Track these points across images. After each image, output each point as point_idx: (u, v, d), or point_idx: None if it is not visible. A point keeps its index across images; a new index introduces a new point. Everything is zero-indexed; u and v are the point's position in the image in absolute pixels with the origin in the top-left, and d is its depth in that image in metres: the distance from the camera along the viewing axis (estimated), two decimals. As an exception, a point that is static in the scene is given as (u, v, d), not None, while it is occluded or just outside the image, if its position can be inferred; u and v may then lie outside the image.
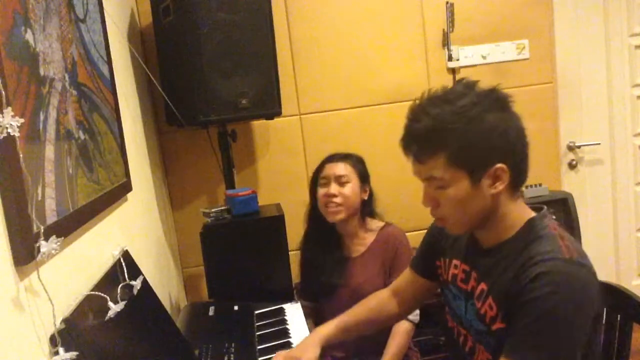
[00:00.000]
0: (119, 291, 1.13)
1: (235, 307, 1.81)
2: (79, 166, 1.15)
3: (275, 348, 1.57)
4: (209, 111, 1.90)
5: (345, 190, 1.86)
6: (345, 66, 2.44)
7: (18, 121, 0.79)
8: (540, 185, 2.37)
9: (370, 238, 1.91)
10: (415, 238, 2.52)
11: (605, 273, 2.79)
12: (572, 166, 2.80)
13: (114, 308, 1.04)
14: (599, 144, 2.79)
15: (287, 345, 1.58)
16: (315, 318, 1.90)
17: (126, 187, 1.54)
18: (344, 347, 1.79)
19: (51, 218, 0.96)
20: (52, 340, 0.87)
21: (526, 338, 0.98)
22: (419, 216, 2.48)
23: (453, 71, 2.52)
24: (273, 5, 2.02)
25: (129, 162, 1.57)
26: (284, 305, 1.88)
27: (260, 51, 1.96)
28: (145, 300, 1.31)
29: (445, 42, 2.48)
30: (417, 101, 1.09)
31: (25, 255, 0.83)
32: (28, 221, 0.84)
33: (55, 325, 0.88)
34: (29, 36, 0.95)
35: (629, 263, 2.91)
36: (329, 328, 1.37)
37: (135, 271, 1.30)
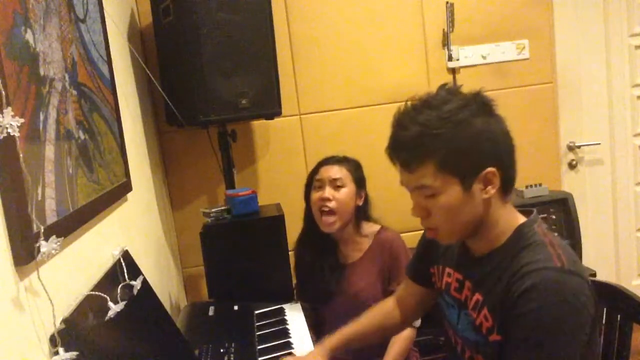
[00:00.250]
0: (119, 291, 1.13)
1: (235, 307, 1.81)
2: (79, 166, 1.15)
3: (275, 348, 1.57)
4: (209, 111, 1.90)
5: (339, 195, 1.81)
6: (345, 66, 2.44)
7: (18, 121, 0.79)
8: (540, 185, 2.36)
9: (366, 243, 1.87)
10: (416, 238, 2.51)
11: (605, 273, 2.79)
12: (572, 166, 2.80)
13: (114, 308, 1.04)
14: (599, 144, 2.79)
15: (287, 345, 1.58)
16: (313, 321, 1.86)
17: (126, 187, 1.54)
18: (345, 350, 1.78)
19: (51, 218, 0.96)
20: (52, 340, 0.87)
21: (522, 353, 0.97)
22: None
23: (453, 71, 2.52)
24: (273, 5, 2.02)
25: (129, 162, 1.57)
26: (284, 305, 1.88)
27: (260, 51, 1.96)
28: (145, 300, 1.31)
29: (445, 42, 2.48)
30: (402, 109, 1.07)
31: (25, 255, 0.83)
32: (28, 221, 0.84)
33: (55, 325, 0.88)
34: (29, 36, 0.95)
35: (629, 263, 2.91)
36: (335, 339, 1.37)
37: (135, 271, 1.30)
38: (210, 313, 1.77)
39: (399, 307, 1.44)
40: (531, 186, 2.35)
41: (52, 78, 1.04)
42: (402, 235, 2.19)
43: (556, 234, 1.11)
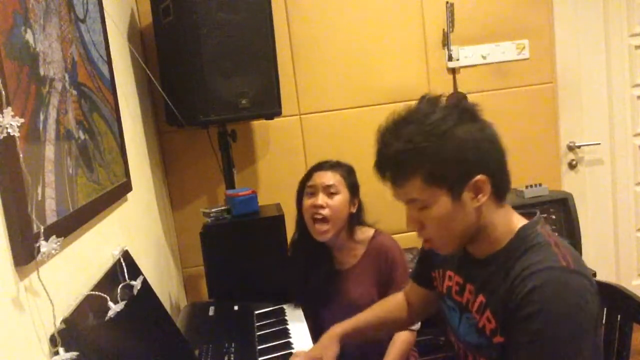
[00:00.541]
0: (119, 291, 1.13)
1: (235, 307, 1.81)
2: (79, 166, 1.15)
3: (275, 348, 1.57)
4: (209, 111, 1.90)
5: (333, 202, 1.76)
6: (345, 66, 2.44)
7: (18, 121, 0.79)
8: (540, 185, 2.36)
9: (360, 249, 1.83)
10: (415, 238, 2.52)
11: (605, 273, 2.79)
12: (572, 166, 2.80)
13: (114, 308, 1.04)
14: (599, 144, 2.79)
15: (287, 345, 1.58)
16: (311, 324, 1.80)
17: (126, 187, 1.54)
18: (345, 353, 1.77)
19: (51, 218, 0.96)
20: (52, 340, 0.87)
21: (528, 354, 0.96)
22: (419, 216, 2.49)
23: (453, 71, 2.52)
24: (273, 5, 2.02)
25: (129, 162, 1.57)
26: (284, 305, 1.88)
27: (260, 51, 1.96)
28: (145, 300, 1.31)
29: (445, 42, 2.48)
30: (384, 125, 1.07)
31: (25, 255, 0.83)
32: (28, 221, 0.84)
33: (55, 325, 0.88)
34: (29, 36, 0.95)
35: (629, 263, 2.91)
36: (346, 326, 1.37)
37: (135, 271, 1.30)
38: (210, 313, 1.77)
39: (408, 303, 1.45)
40: (531, 186, 2.35)
41: (52, 78, 1.04)
42: (402, 235, 2.19)
43: (556, 235, 1.10)
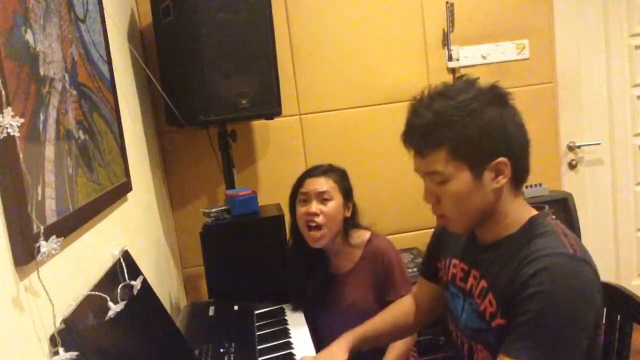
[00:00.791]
0: (119, 291, 1.13)
1: (235, 307, 1.80)
2: (79, 166, 1.15)
3: (275, 348, 1.57)
4: (209, 111, 1.90)
5: (327, 209, 1.73)
6: (345, 66, 2.44)
7: (18, 121, 0.79)
8: (540, 185, 2.37)
9: (356, 253, 1.80)
10: (416, 238, 2.54)
11: (605, 273, 2.76)
12: (572, 166, 2.80)
13: (114, 308, 1.04)
14: (599, 144, 2.79)
15: (287, 345, 1.58)
16: (310, 329, 1.78)
17: (126, 187, 1.54)
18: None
19: (51, 218, 0.95)
20: (52, 340, 0.87)
21: (526, 335, 0.96)
22: (420, 216, 2.49)
23: (453, 71, 2.52)
24: (273, 5, 2.01)
25: (129, 162, 1.57)
26: (284, 305, 1.88)
27: (260, 51, 1.96)
28: (145, 300, 1.31)
29: (445, 42, 2.48)
30: (418, 97, 1.10)
31: (25, 255, 0.83)
32: (28, 221, 0.84)
33: (55, 325, 0.88)
34: (29, 36, 0.95)
35: (629, 263, 2.91)
36: (355, 334, 1.37)
37: (135, 271, 1.30)
38: (210, 313, 1.77)
39: (416, 305, 1.45)
40: (531, 186, 2.35)
41: (52, 78, 1.04)
42: (402, 235, 2.19)
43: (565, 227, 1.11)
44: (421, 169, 1.10)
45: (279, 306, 1.87)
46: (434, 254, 1.35)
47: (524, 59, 2.54)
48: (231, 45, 1.89)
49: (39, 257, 0.84)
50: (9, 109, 0.78)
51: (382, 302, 1.71)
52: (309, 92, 2.44)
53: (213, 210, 1.94)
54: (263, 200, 2.10)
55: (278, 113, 2.08)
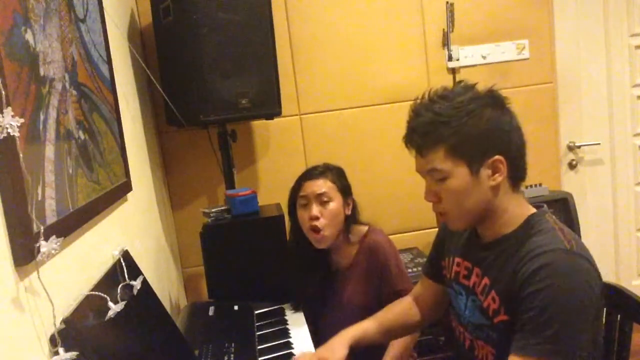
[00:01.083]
0: (119, 291, 1.13)
1: (235, 307, 1.80)
2: (79, 166, 1.15)
3: (275, 348, 1.57)
4: (209, 111, 1.90)
5: (327, 211, 1.74)
6: (345, 66, 2.44)
7: (18, 121, 0.79)
8: (540, 185, 2.37)
9: (354, 248, 1.82)
10: (416, 238, 2.54)
11: (605, 273, 2.76)
12: (572, 166, 2.80)
13: (114, 308, 1.04)
14: (599, 144, 2.79)
15: (287, 345, 1.58)
16: (310, 326, 1.78)
17: (126, 187, 1.54)
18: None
19: (51, 218, 0.95)
20: (52, 340, 0.87)
21: (533, 332, 0.98)
22: (420, 216, 2.49)
23: (453, 71, 2.52)
24: (273, 5, 2.01)
25: (129, 162, 1.57)
26: (284, 305, 1.88)
27: (260, 51, 1.96)
28: (145, 300, 1.31)
29: (445, 42, 2.48)
30: (419, 99, 1.15)
31: (25, 255, 0.83)
32: (28, 221, 0.84)
33: (55, 325, 0.88)
34: (29, 36, 0.95)
35: (629, 263, 2.91)
36: (355, 331, 1.38)
37: (135, 271, 1.30)
38: (210, 313, 1.77)
39: (418, 304, 1.46)
40: (531, 186, 2.35)
41: (52, 78, 1.04)
42: (402, 235, 2.19)
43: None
44: (422, 168, 1.14)
45: (279, 306, 1.88)
46: (438, 253, 1.38)
47: (524, 59, 2.54)
48: (231, 45, 1.89)
49: (39, 257, 0.84)
50: (9, 109, 0.78)
51: (380, 296, 1.72)
52: (309, 92, 2.44)
53: (213, 210, 1.94)
54: (263, 200, 2.10)
55: (278, 113, 2.08)
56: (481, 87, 1.14)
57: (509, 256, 1.09)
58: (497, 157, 1.08)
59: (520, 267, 1.04)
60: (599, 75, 2.76)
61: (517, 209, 1.14)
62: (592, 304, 1.00)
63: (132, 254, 1.35)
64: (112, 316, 1.04)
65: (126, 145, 1.57)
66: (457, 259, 1.27)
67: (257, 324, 1.74)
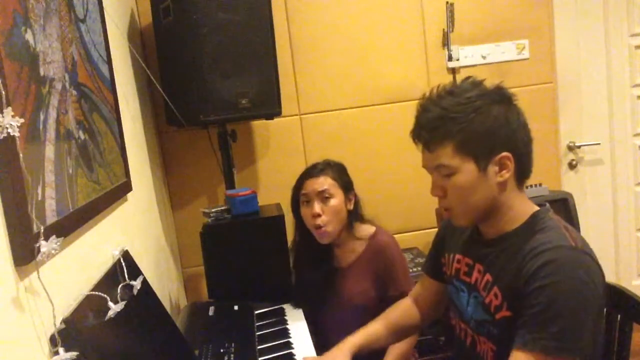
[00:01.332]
0: (119, 291, 1.13)
1: (235, 307, 1.81)
2: (79, 166, 1.15)
3: (275, 348, 1.57)
4: (209, 111, 1.90)
5: (329, 208, 1.75)
6: (345, 66, 2.44)
7: (18, 121, 0.79)
8: (540, 185, 2.37)
9: (360, 247, 1.82)
10: (416, 238, 2.54)
11: (605, 273, 2.78)
12: (572, 166, 2.80)
13: (114, 308, 1.04)
14: (599, 144, 2.79)
15: (287, 345, 1.58)
16: (310, 323, 1.79)
17: (126, 187, 1.54)
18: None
19: (51, 218, 0.95)
20: (52, 340, 0.87)
21: (537, 327, 0.99)
22: (420, 216, 2.49)
23: (453, 71, 2.52)
24: (273, 5, 2.01)
25: (129, 162, 1.57)
26: (284, 305, 1.88)
27: (260, 51, 1.96)
28: (145, 300, 1.31)
29: (445, 42, 2.48)
30: (427, 95, 1.15)
31: (25, 255, 0.83)
32: (28, 221, 0.84)
33: (55, 325, 0.88)
34: (29, 36, 0.95)
35: (629, 263, 2.91)
36: (358, 339, 1.38)
37: (135, 271, 1.30)
38: (210, 313, 1.77)
39: (417, 305, 1.47)
40: (531, 186, 2.35)
41: (52, 78, 1.04)
42: (402, 235, 2.19)
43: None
44: (429, 163, 1.15)
45: (279, 306, 1.88)
46: (438, 251, 1.38)
47: (524, 59, 2.54)
48: (231, 45, 1.89)
49: (39, 257, 0.84)
50: (9, 109, 0.78)
51: (383, 297, 1.72)
52: (309, 92, 2.44)
53: (213, 210, 1.94)
54: (263, 200, 2.10)
55: (278, 113, 2.08)
56: (488, 83, 1.15)
57: (513, 253, 1.09)
58: (504, 153, 1.09)
59: (524, 264, 1.04)
60: (599, 75, 2.76)
61: (521, 207, 1.14)
62: (595, 301, 1.00)
63: (132, 254, 1.35)
64: (112, 316, 1.04)
65: (126, 145, 1.57)
66: (457, 256, 1.27)
67: (257, 324, 1.74)
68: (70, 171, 1.09)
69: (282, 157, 2.45)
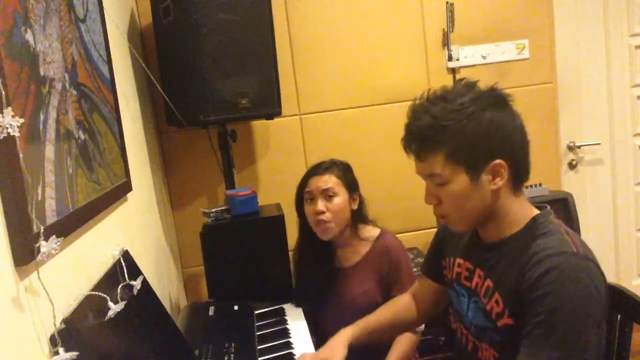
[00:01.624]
0: (119, 291, 1.13)
1: (235, 307, 1.81)
2: (79, 166, 1.15)
3: (275, 348, 1.57)
4: (209, 111, 1.90)
5: (333, 205, 1.76)
6: (345, 66, 2.44)
7: (18, 121, 0.79)
8: (540, 185, 2.37)
9: (365, 247, 1.82)
10: (416, 238, 2.54)
11: (605, 273, 2.78)
12: (572, 166, 2.80)
13: (114, 308, 1.04)
14: (599, 144, 2.79)
15: (287, 345, 1.58)
16: (312, 323, 1.81)
17: (126, 187, 1.54)
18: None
19: (51, 218, 0.95)
20: (52, 340, 0.87)
21: (540, 337, 0.97)
22: (420, 216, 2.49)
23: (453, 71, 2.52)
24: (273, 5, 2.02)
25: (129, 162, 1.57)
26: (284, 305, 1.88)
27: (260, 51, 1.95)
28: (145, 300, 1.31)
29: (445, 42, 2.48)
30: (417, 101, 1.11)
31: (25, 255, 0.83)
32: (28, 221, 0.84)
33: (55, 325, 0.88)
34: (29, 36, 0.95)
35: (629, 263, 2.91)
36: (354, 329, 1.38)
37: (135, 271, 1.30)
38: (210, 313, 1.77)
39: (415, 302, 1.46)
40: (531, 186, 2.35)
41: (52, 78, 1.04)
42: (403, 235, 2.19)
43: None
44: (421, 171, 1.13)
45: (279, 306, 1.88)
46: (438, 252, 1.36)
47: (524, 59, 2.54)
48: (231, 45, 1.89)
49: (39, 257, 0.84)
50: (9, 109, 0.78)
51: (386, 299, 1.72)
52: (309, 92, 2.44)
53: (213, 210, 1.94)
54: (263, 200, 2.10)
55: (278, 113, 2.08)
56: (483, 84, 1.11)
57: (514, 258, 1.07)
58: (497, 161, 1.05)
59: (526, 270, 1.02)
60: (599, 75, 2.76)
61: (519, 211, 1.12)
62: (599, 308, 0.99)
63: (132, 254, 1.35)
64: (112, 316, 1.04)
65: (126, 145, 1.57)
66: (458, 260, 1.25)
67: (257, 324, 1.74)
68: (70, 171, 1.09)
69: (282, 157, 2.44)
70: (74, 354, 0.85)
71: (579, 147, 2.77)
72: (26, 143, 0.89)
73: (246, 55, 1.92)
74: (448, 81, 2.50)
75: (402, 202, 2.51)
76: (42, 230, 0.85)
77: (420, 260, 2.29)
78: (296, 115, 2.44)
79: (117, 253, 1.28)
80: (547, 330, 0.97)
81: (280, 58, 2.06)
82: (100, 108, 1.37)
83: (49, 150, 0.99)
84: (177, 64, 1.96)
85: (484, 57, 2.52)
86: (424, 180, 1.14)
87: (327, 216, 1.75)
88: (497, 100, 1.08)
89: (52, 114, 1.02)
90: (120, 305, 1.06)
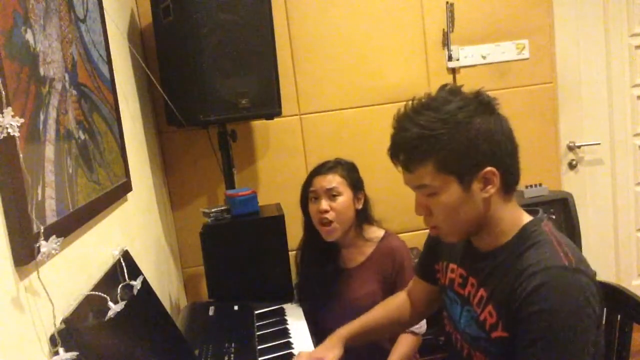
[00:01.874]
0: (119, 291, 1.13)
1: (235, 307, 1.81)
2: (79, 166, 1.15)
3: (275, 348, 1.57)
4: (209, 111, 1.90)
5: (337, 205, 1.76)
6: (345, 66, 2.44)
7: (18, 121, 0.79)
8: (540, 185, 2.36)
9: (369, 248, 1.82)
10: (416, 238, 2.54)
11: (605, 273, 2.79)
12: (572, 166, 2.80)
13: (114, 308, 1.04)
14: (599, 144, 2.79)
15: (287, 345, 1.58)
16: (312, 324, 1.80)
17: (126, 187, 1.54)
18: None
19: (51, 218, 0.95)
20: (52, 340, 0.87)
21: (535, 356, 0.96)
22: (420, 216, 2.49)
23: (453, 71, 2.52)
24: (273, 5, 2.02)
25: (129, 162, 1.57)
26: (284, 305, 1.88)
27: (260, 51, 1.95)
28: (145, 300, 1.31)
29: (445, 42, 2.48)
30: (402, 110, 1.08)
31: (25, 255, 0.83)
32: (28, 221, 0.84)
33: (55, 325, 0.88)
34: (29, 36, 0.95)
35: (629, 263, 2.91)
36: (350, 328, 1.37)
37: (135, 271, 1.30)
38: (210, 313, 1.77)
39: (410, 301, 1.46)
40: (531, 186, 2.35)
41: (52, 78, 1.04)
42: (403, 235, 2.18)
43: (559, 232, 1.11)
44: (410, 183, 1.10)
45: (279, 306, 1.88)
46: (431, 256, 1.35)
47: (524, 59, 2.54)
48: (231, 45, 1.89)
49: (39, 257, 0.84)
50: (9, 109, 0.78)
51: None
52: (309, 92, 2.44)
53: (213, 210, 1.94)
54: (263, 200, 2.10)
55: (278, 113, 2.08)
56: (479, 86, 1.09)
57: (506, 270, 1.05)
58: (488, 169, 1.03)
59: (517, 285, 1.00)
60: (599, 75, 2.76)
61: (511, 218, 1.09)
62: (592, 322, 0.97)
63: (132, 254, 1.35)
64: (112, 316, 1.04)
65: (126, 145, 1.58)
66: (451, 265, 1.24)
67: (257, 324, 1.74)
68: (70, 171, 1.09)
69: (282, 157, 2.44)
70: (74, 354, 0.85)
71: (579, 147, 2.77)
72: (26, 143, 0.89)
73: (246, 55, 1.92)
74: (448, 81, 2.49)
75: (401, 202, 2.50)
76: (42, 230, 0.86)
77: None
78: (296, 115, 2.44)
79: (117, 253, 1.28)
80: (541, 349, 0.95)
81: (280, 58, 2.06)
82: (100, 108, 1.37)
83: (49, 150, 0.99)
84: (177, 63, 1.96)
85: (484, 57, 2.52)
86: (413, 191, 1.12)
87: (330, 215, 1.76)
88: (484, 105, 1.06)
89: (52, 114, 1.02)
90: (120, 305, 1.06)
